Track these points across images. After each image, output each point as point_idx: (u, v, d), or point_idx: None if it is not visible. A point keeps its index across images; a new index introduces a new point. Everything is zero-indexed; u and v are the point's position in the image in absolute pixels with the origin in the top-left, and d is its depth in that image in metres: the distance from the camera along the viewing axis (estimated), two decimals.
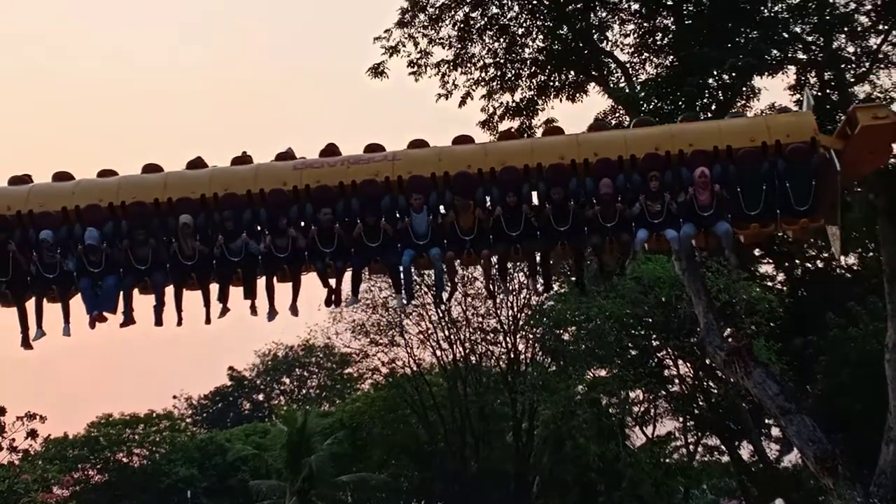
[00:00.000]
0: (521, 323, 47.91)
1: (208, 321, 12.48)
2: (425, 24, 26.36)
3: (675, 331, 35.07)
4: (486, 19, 26.47)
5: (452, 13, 26.41)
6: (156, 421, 63.33)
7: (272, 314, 12.64)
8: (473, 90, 26.50)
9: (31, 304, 12.56)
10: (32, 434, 42.76)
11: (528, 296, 46.27)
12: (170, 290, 12.59)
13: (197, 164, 12.81)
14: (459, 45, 26.43)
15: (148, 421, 62.72)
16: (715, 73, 23.50)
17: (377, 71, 25.97)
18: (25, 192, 12.62)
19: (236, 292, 12.72)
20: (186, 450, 61.70)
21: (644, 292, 35.04)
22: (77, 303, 12.56)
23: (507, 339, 48.91)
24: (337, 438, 47.95)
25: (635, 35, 26.17)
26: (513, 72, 26.51)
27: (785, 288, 37.36)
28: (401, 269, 12.57)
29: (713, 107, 23.68)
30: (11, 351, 12.60)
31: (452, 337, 49.74)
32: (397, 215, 12.23)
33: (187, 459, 60.37)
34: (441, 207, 12.37)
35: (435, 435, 51.23)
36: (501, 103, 26.52)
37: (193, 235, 12.12)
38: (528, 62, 26.40)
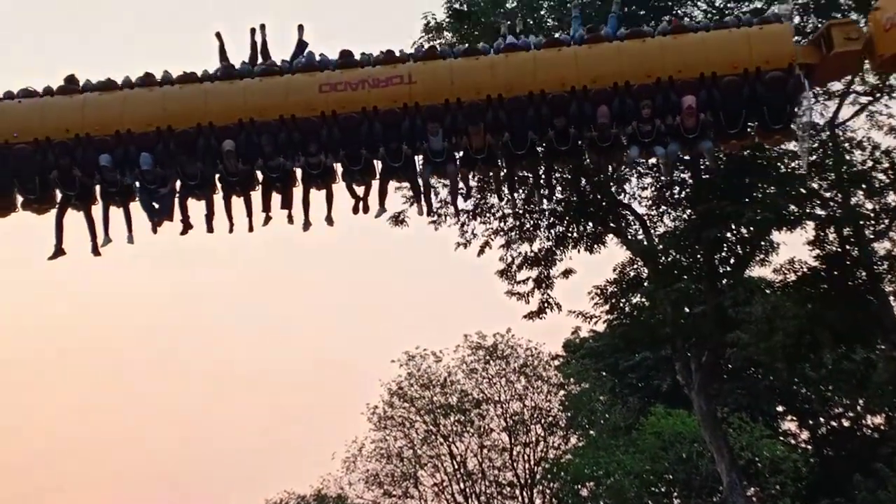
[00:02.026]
0: (537, 477, 46.74)
1: (251, 229, 13.90)
2: None
3: (696, 489, 34.00)
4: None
5: None
6: None
7: (307, 225, 13.90)
8: (492, 239, 26.68)
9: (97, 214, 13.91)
10: None
11: (544, 449, 45.37)
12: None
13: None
14: (479, 196, 26.71)
15: None
16: (733, 226, 23.54)
17: (398, 220, 26.19)
18: (80, 111, 13.61)
19: None
20: None
21: (664, 448, 34.21)
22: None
23: (524, 493, 47.57)
24: None
25: (653, 188, 26.49)
26: (531, 222, 26.72)
27: (809, 447, 36.39)
28: (420, 182, 14.01)
29: (731, 260, 23.68)
30: None
31: (468, 490, 48.45)
32: (414, 137, 13.38)
33: None
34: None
35: None
36: (520, 253, 26.61)
37: (236, 157, 13.34)
38: (547, 213, 26.59)
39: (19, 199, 13.84)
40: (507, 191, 15.72)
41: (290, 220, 13.92)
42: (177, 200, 13.77)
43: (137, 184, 13.51)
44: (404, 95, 13.25)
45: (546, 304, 26.78)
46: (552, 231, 26.53)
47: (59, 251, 13.84)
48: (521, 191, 26.64)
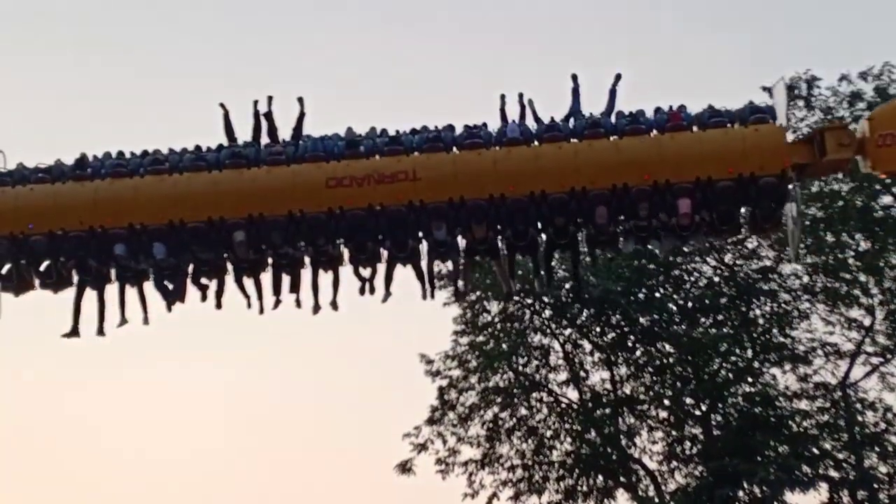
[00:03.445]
0: None
1: (261, 311, 14.42)
2: (454, 422, 26.69)
3: None
4: (515, 420, 26.77)
5: (482, 412, 26.82)
6: None
7: (317, 308, 14.31)
8: (500, 491, 26.21)
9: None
10: None
11: None
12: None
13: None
14: (488, 445, 26.53)
15: None
16: (745, 485, 23.11)
17: (405, 468, 25.95)
18: (92, 202, 13.99)
19: None
20: None
21: None
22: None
23: None
24: None
25: (664, 443, 26.20)
26: (540, 474, 26.34)
27: None
28: (423, 270, 14.29)
29: None
30: None
31: None
32: (419, 230, 13.91)
33: None
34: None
35: None
36: None
37: (247, 248, 13.85)
38: (556, 465, 26.26)
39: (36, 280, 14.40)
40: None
41: (298, 304, 14.38)
42: (189, 281, 14.38)
43: (151, 270, 14.14)
44: (409, 192, 13.59)
45: None
46: (561, 483, 26.09)
47: (74, 331, 14.40)
48: (530, 441, 26.60)
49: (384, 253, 14.11)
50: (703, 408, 25.84)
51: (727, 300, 26.39)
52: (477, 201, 13.65)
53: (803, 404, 25.72)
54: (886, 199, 24.55)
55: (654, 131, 13.78)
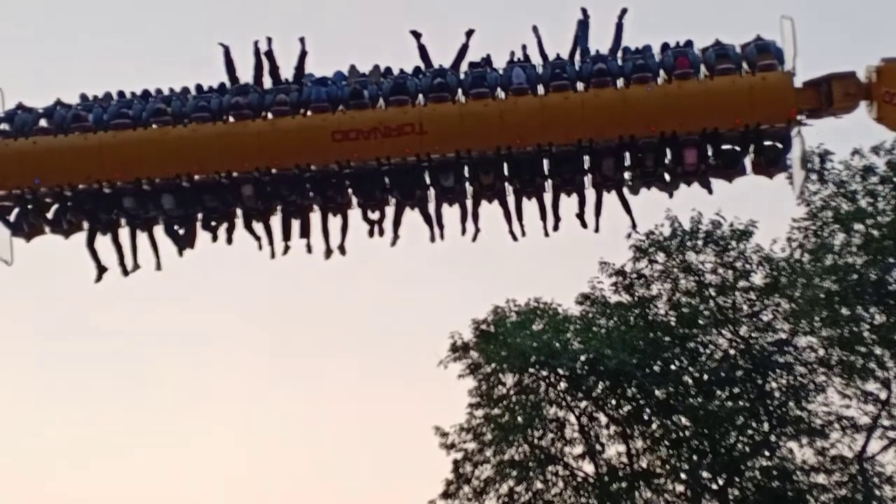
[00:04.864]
0: None
1: (273, 256, 14.64)
2: (469, 496, 26.54)
3: None
4: (530, 494, 26.59)
5: (497, 486, 26.64)
6: None
7: (328, 253, 14.49)
8: None
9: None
10: None
11: None
12: None
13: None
14: None
15: None
16: None
17: None
18: (97, 156, 13.93)
19: None
20: None
21: None
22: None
23: None
24: None
25: None
26: None
27: None
28: (431, 214, 14.34)
29: None
30: None
31: None
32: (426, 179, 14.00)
33: None
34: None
35: None
36: None
37: (255, 200, 14.06)
38: None
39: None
40: None
41: (309, 249, 14.56)
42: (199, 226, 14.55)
43: (161, 217, 14.33)
44: (416, 145, 13.64)
45: None
46: None
47: (101, 269, 14.62)
48: None
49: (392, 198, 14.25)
50: (721, 482, 25.69)
51: (743, 373, 26.35)
52: (484, 155, 13.84)
53: (821, 478, 25.62)
54: None
55: (661, 74, 13.70)
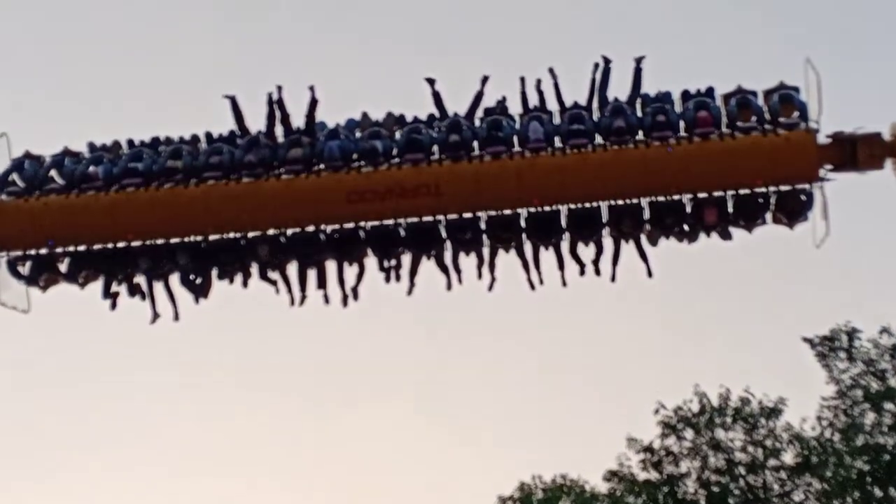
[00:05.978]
0: None
1: (292, 303, 14.49)
2: None
3: None
4: None
5: None
6: None
7: (345, 300, 14.36)
8: None
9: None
10: None
11: None
12: None
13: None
14: None
15: None
16: None
17: None
18: (110, 217, 13.85)
19: None
20: None
21: None
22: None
23: None
24: None
25: None
26: None
27: None
28: (447, 263, 14.20)
29: None
30: None
31: None
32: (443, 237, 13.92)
33: None
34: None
35: None
36: None
37: (271, 258, 14.18)
38: None
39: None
40: None
41: (327, 300, 14.44)
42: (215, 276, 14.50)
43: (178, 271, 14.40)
44: (432, 206, 13.53)
45: None
46: None
47: (155, 313, 14.65)
48: None
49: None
50: None
51: None
52: (501, 217, 13.73)
53: None
54: None
55: (682, 125, 13.43)
